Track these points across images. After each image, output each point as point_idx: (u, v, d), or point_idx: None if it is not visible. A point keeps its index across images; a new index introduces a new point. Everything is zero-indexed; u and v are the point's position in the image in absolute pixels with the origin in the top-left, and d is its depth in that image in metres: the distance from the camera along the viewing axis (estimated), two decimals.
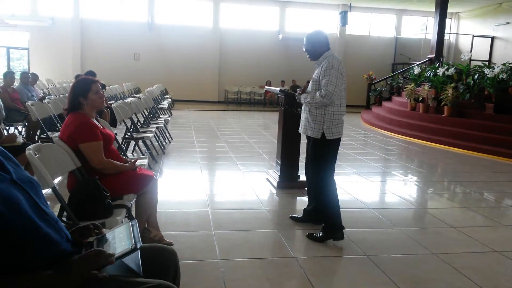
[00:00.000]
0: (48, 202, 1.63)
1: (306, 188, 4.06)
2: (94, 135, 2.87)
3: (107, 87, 11.53)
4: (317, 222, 3.78)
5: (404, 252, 3.46)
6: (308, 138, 3.68)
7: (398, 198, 5.03)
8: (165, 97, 13.72)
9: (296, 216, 4.04)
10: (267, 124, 12.38)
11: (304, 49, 3.68)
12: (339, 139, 3.54)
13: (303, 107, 3.73)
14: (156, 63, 18.07)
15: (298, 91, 3.78)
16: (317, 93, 3.44)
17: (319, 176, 3.57)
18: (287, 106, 4.96)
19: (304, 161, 3.93)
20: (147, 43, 17.97)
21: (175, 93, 16.34)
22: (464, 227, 4.03)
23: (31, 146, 2.44)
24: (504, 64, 9.39)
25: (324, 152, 3.53)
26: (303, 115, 3.68)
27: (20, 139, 4.38)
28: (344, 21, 17.52)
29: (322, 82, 3.41)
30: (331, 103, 3.39)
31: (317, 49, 3.59)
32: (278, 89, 5.27)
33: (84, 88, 2.98)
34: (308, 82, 14.48)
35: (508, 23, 16.61)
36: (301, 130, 3.76)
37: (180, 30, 18.06)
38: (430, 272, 3.06)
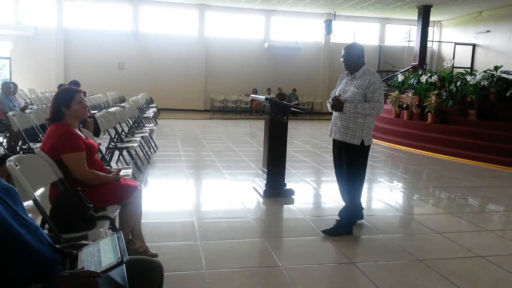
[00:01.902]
0: (30, 215, 1.60)
1: (340, 192, 4.17)
2: (77, 145, 2.83)
3: (90, 97, 11.42)
4: (360, 217, 4.13)
5: (390, 259, 3.46)
6: (344, 144, 3.86)
7: (384, 204, 5.06)
8: (150, 106, 13.63)
9: (328, 228, 3.92)
10: (253, 132, 12.39)
11: (342, 60, 3.88)
12: (370, 145, 3.92)
13: (338, 115, 3.91)
14: (141, 72, 17.97)
15: (332, 101, 3.90)
16: (366, 104, 3.73)
17: (355, 178, 3.90)
18: (273, 114, 4.97)
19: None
20: (132, 52, 17.88)
21: (160, 102, 16.26)
22: (449, 232, 4.06)
23: (12, 158, 2.39)
24: (485, 71, 9.57)
25: (363, 157, 3.90)
26: (340, 123, 3.87)
27: (1, 150, 4.29)
28: (328, 29, 17.72)
29: (374, 95, 3.72)
30: (379, 113, 3.79)
31: (357, 60, 3.83)
32: (264, 97, 5.28)
33: (67, 98, 2.94)
34: (294, 90, 14.56)
35: (488, 31, 16.98)
36: (336, 136, 3.95)
37: (165, 39, 18.03)
38: (416, 278, 3.07)
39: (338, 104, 3.83)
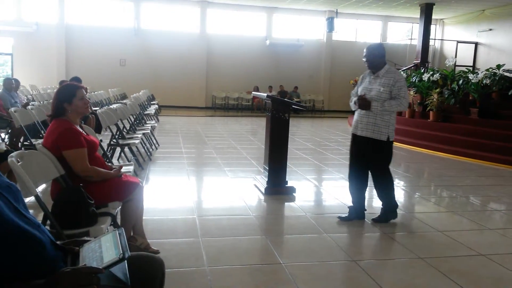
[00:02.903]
0: (31, 211, 1.61)
1: (349, 188, 4.34)
2: (78, 142, 2.82)
3: (92, 93, 11.42)
4: (362, 217, 4.25)
5: (391, 257, 3.47)
6: (371, 141, 4.01)
7: None
8: (151, 103, 13.64)
9: (343, 215, 4.25)
10: (254, 130, 12.39)
11: (365, 59, 4.04)
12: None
13: (364, 113, 4.03)
14: (143, 68, 17.96)
15: (358, 100, 4.03)
16: (392, 101, 3.92)
17: (384, 172, 4.12)
18: (275, 112, 4.96)
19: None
20: (133, 49, 17.86)
21: (162, 99, 16.26)
22: (450, 231, 4.06)
23: (13, 154, 2.39)
24: (487, 70, 9.54)
25: (389, 151, 4.10)
26: (367, 120, 4.02)
27: (3, 146, 4.29)
28: (330, 27, 17.69)
29: (400, 92, 3.92)
30: (405, 109, 4.04)
31: (379, 61, 4.01)
32: (266, 94, 5.27)
33: (69, 94, 2.93)
34: (296, 87, 14.67)
35: (490, 29, 16.93)
36: (362, 133, 4.06)
37: (167, 36, 18.00)
38: (417, 276, 3.07)
39: (365, 103, 3.98)
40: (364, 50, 4.04)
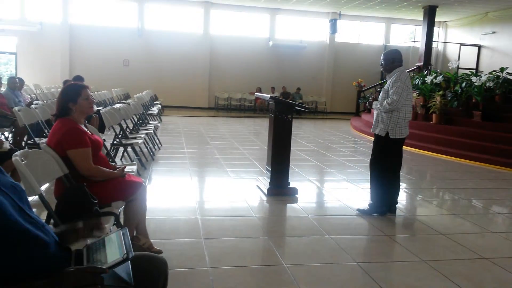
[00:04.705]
0: (35, 209, 1.61)
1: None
2: (82, 141, 2.83)
3: (96, 93, 11.45)
4: (393, 211, 4.52)
5: (394, 259, 3.46)
6: (376, 135, 4.41)
7: None
8: (154, 103, 13.65)
9: (362, 208, 4.54)
10: (257, 131, 12.39)
11: (380, 64, 4.41)
12: (402, 139, 4.35)
13: (375, 111, 4.47)
14: (146, 69, 17.98)
15: (371, 99, 4.58)
16: (385, 101, 4.22)
17: (378, 166, 4.37)
18: (278, 113, 4.96)
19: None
20: (137, 49, 17.89)
21: (165, 99, 16.28)
22: (453, 234, 4.05)
23: (18, 153, 2.40)
24: (491, 73, 9.53)
25: (386, 148, 4.32)
26: (375, 117, 4.44)
27: (6, 145, 4.30)
28: (333, 29, 17.68)
29: (390, 92, 4.18)
30: (396, 109, 4.16)
31: (391, 64, 4.29)
32: (269, 95, 5.27)
33: (74, 93, 2.94)
34: (298, 89, 14.82)
35: (494, 32, 16.90)
36: (372, 129, 4.50)
37: (170, 36, 18.03)
38: (420, 279, 3.06)
39: (370, 102, 4.54)
40: (381, 56, 4.39)
